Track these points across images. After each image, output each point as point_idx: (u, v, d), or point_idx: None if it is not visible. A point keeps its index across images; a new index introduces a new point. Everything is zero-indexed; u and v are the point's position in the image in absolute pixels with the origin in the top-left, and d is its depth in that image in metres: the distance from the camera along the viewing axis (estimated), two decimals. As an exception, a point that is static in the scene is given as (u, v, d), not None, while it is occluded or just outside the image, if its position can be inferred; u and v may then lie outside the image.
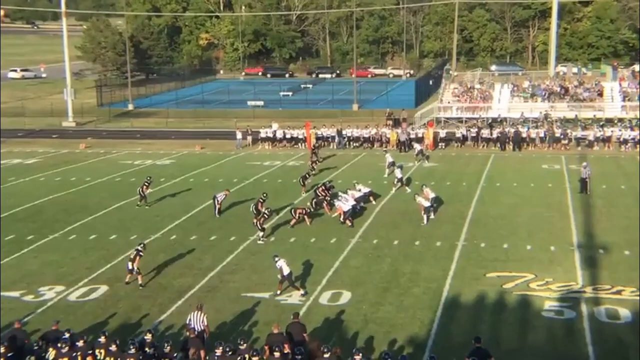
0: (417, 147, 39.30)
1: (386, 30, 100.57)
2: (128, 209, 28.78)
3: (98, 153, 43.25)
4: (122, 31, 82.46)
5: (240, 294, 19.02)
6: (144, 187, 28.82)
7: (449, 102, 50.90)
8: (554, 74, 59.36)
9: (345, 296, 18.80)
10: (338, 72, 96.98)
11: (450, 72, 63.84)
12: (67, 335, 14.12)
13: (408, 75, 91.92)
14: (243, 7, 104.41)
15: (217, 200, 26.98)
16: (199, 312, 15.41)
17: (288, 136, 44.42)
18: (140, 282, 19.64)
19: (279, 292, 18.86)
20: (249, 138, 44.93)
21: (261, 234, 23.86)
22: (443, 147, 42.99)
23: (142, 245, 20.27)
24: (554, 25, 63.66)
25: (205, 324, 15.33)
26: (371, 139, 43.58)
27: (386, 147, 41.75)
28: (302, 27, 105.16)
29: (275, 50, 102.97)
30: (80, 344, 13.80)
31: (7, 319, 15.87)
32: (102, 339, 13.94)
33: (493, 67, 79.97)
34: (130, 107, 67.11)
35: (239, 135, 44.61)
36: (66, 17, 60.93)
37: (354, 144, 43.98)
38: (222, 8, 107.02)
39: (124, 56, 74.95)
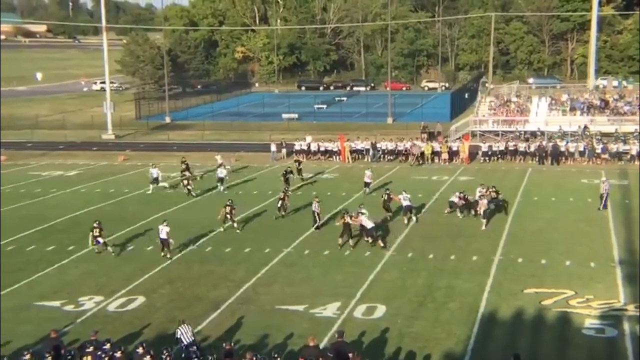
0: (274, 150, 43.39)
1: (421, 43, 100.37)
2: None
3: (136, 165, 43.97)
4: (160, 45, 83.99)
5: (274, 307, 19.05)
6: (285, 198, 29.03)
7: (484, 116, 50.40)
8: (593, 87, 58.37)
9: (380, 310, 18.67)
10: (372, 84, 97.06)
11: (487, 85, 63.23)
12: (107, 345, 14.33)
13: (443, 88, 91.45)
14: (278, 21, 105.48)
15: (316, 213, 26.79)
16: (186, 326, 15.25)
17: (322, 149, 44.54)
18: None
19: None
20: (284, 151, 45.20)
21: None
22: (486, 161, 42.24)
23: None
24: (593, 37, 62.70)
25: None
26: (405, 151, 43.38)
27: (418, 160, 41.89)
28: (336, 40, 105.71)
29: (310, 63, 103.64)
30: (118, 354, 13.97)
31: (47, 329, 16.14)
32: (140, 350, 14.09)
33: (530, 80, 79.02)
34: (168, 119, 68.26)
35: (273, 148, 44.89)
36: (106, 32, 62.38)
37: (389, 157, 43.92)
38: (257, 22, 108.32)
39: (161, 70, 76.33)
